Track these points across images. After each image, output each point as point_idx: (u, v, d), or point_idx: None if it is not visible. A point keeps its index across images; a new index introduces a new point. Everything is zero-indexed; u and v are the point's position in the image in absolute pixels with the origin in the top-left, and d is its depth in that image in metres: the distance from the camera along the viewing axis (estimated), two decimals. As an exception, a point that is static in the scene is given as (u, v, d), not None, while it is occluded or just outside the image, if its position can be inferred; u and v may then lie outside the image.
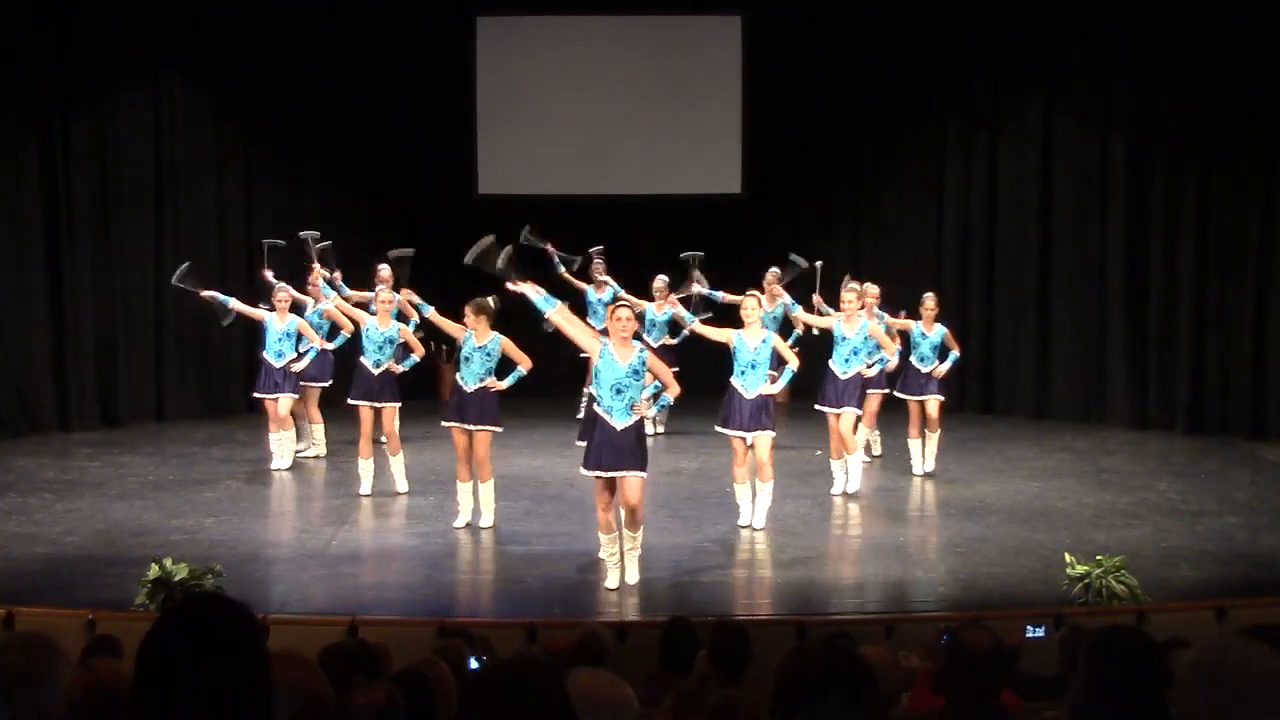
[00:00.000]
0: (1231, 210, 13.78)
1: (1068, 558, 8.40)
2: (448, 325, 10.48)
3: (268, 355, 12.00)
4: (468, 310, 10.13)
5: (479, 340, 10.04)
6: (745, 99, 16.33)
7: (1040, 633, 7.21)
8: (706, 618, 6.97)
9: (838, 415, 11.16)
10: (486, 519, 10.16)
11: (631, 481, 8.59)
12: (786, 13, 16.00)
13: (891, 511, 10.94)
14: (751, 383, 10.02)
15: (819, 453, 12.45)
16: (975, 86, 15.46)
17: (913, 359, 12.09)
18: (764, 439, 10.01)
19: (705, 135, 16.38)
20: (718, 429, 10.21)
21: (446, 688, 4.30)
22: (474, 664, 5.40)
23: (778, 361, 10.17)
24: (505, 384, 10.05)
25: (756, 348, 10.01)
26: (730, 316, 11.00)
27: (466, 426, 10.05)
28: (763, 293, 12.26)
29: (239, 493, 11.28)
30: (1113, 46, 14.44)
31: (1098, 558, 8.29)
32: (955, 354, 12.10)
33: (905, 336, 12.11)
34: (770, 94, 16.24)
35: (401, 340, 11.36)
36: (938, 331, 12.04)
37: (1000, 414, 15.24)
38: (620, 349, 8.62)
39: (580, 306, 14.03)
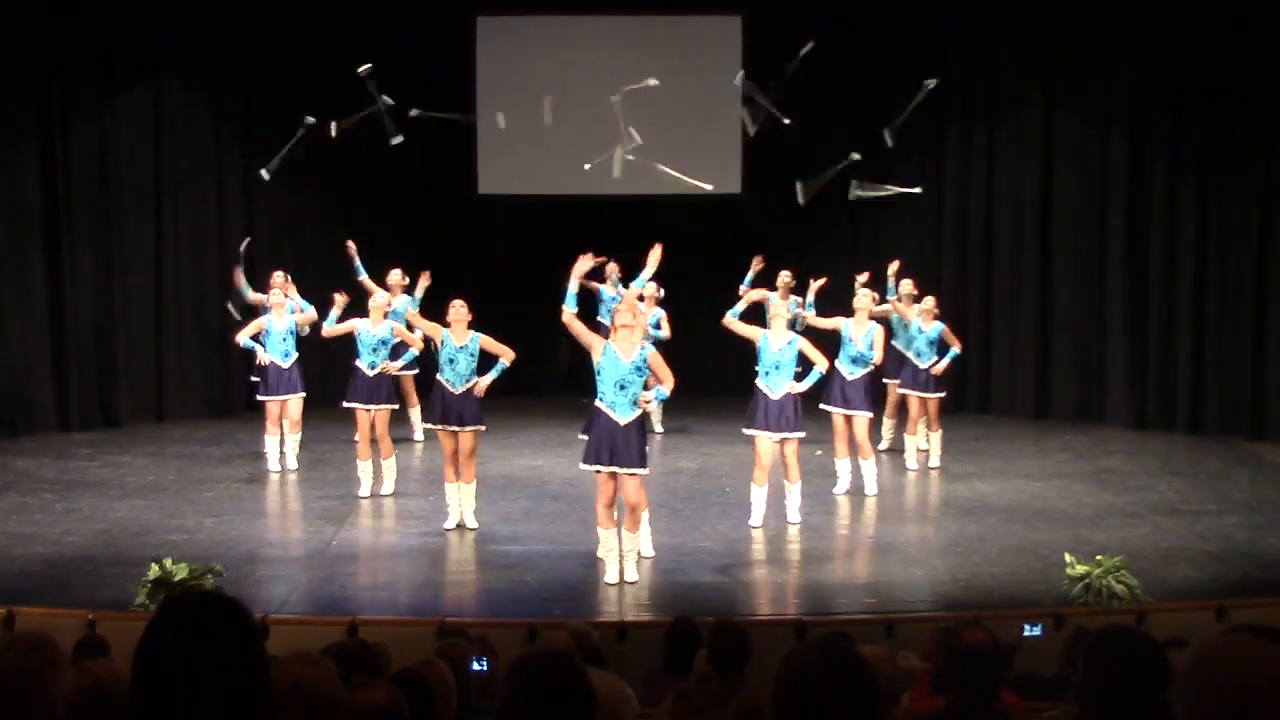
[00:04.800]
0: (1231, 210, 13.78)
1: (1068, 558, 8.41)
2: (426, 326, 10.54)
3: (274, 356, 11.97)
4: (461, 308, 10.11)
5: (459, 340, 10.04)
6: (745, 99, 16.28)
7: (1037, 631, 7.21)
8: (707, 618, 6.98)
9: (846, 417, 11.19)
10: (472, 520, 10.16)
11: (632, 480, 8.64)
12: (786, 13, 15.98)
13: (891, 511, 10.93)
14: (775, 384, 10.06)
15: (819, 452, 12.46)
16: (975, 85, 15.45)
17: (909, 355, 12.12)
18: (793, 440, 10.09)
19: (705, 135, 16.36)
20: (745, 430, 10.26)
21: (446, 688, 4.30)
22: (475, 665, 5.40)
23: (804, 362, 10.18)
24: (489, 380, 10.06)
25: (781, 349, 10.05)
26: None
27: (451, 429, 10.05)
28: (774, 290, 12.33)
29: (239, 493, 11.29)
30: (1113, 45, 14.43)
31: (1098, 558, 8.30)
32: (955, 350, 12.13)
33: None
34: (770, 94, 16.20)
35: (396, 339, 11.39)
36: (934, 328, 12.08)
37: (1000, 414, 15.23)
38: (624, 346, 8.68)
39: (593, 306, 14.03)
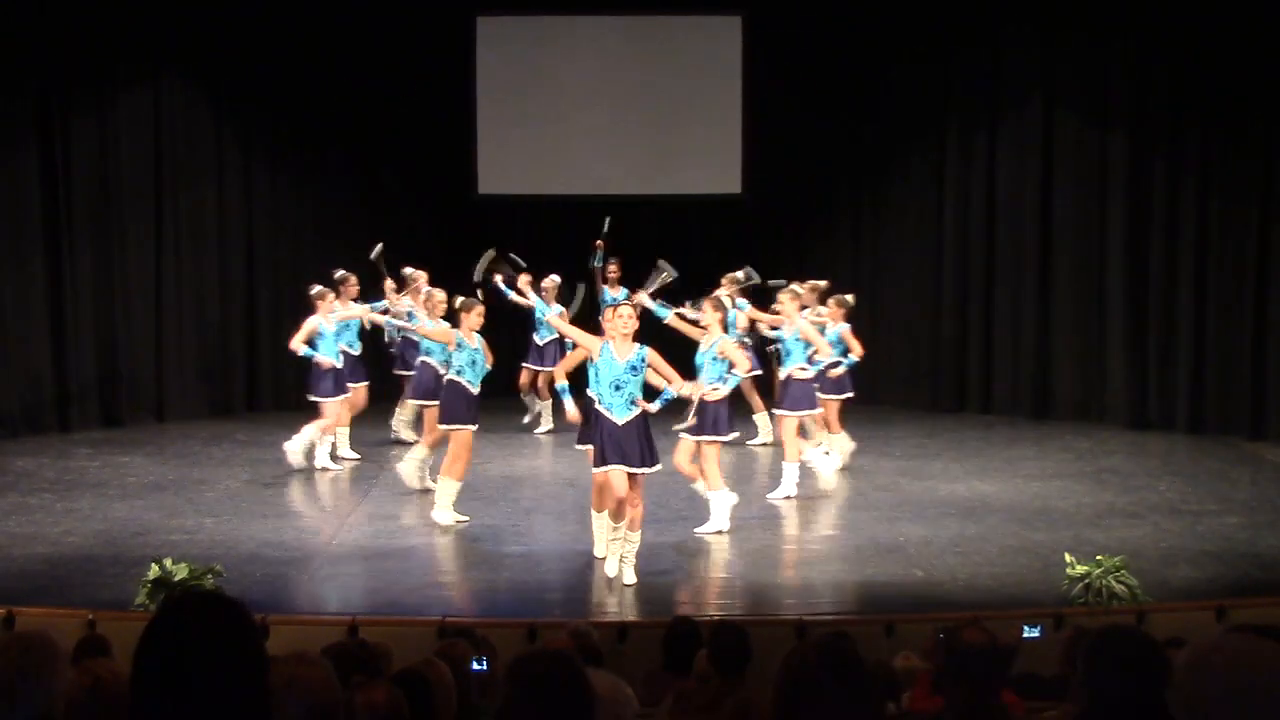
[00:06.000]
0: (1232, 209, 13.77)
1: (1068, 558, 8.40)
2: (437, 333, 10.66)
3: (329, 357, 11.93)
4: (475, 311, 10.22)
5: (474, 341, 10.17)
6: (745, 99, 16.31)
7: (1037, 631, 7.21)
8: (707, 617, 6.99)
9: (779, 418, 11.25)
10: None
11: (637, 479, 8.68)
12: (786, 13, 15.99)
13: (891, 511, 10.91)
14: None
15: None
16: (975, 86, 15.44)
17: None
18: (682, 443, 9.99)
19: (705, 135, 16.37)
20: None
21: (446, 688, 4.31)
22: (475, 665, 5.40)
23: (728, 365, 9.96)
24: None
25: (704, 350, 9.96)
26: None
27: (473, 427, 10.17)
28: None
29: (239, 493, 11.28)
30: (1112, 45, 14.43)
31: (1098, 558, 8.29)
32: (854, 357, 11.77)
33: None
34: (770, 94, 16.23)
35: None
36: (834, 330, 11.70)
37: (1000, 414, 15.22)
38: (620, 346, 8.72)
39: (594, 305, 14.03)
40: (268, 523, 10.38)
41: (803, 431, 11.57)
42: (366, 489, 11.46)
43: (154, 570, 8.02)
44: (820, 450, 11.66)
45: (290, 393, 15.60)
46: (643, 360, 8.72)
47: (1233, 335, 13.81)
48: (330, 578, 8.94)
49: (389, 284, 12.86)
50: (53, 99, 13.77)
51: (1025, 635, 7.05)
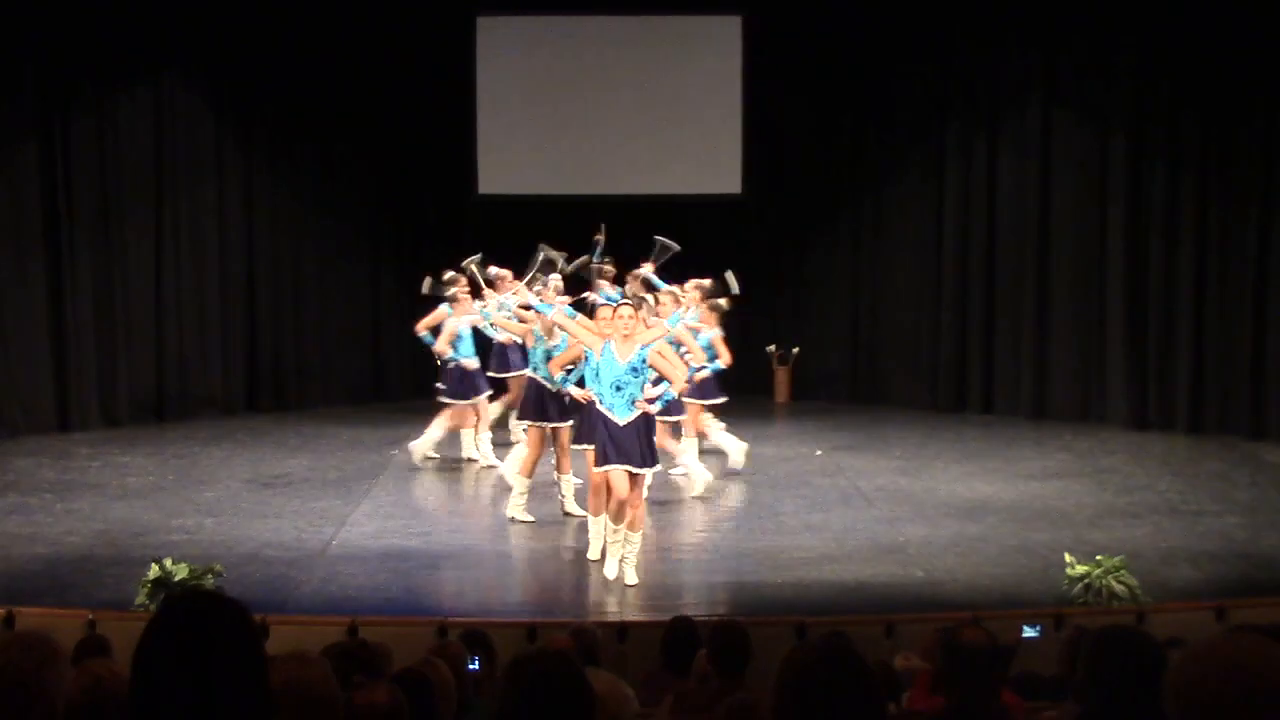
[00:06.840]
0: (1231, 210, 13.77)
1: (1068, 558, 8.41)
2: (516, 328, 10.78)
3: (469, 359, 11.97)
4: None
5: (556, 338, 10.17)
6: (745, 99, 16.31)
7: (1036, 632, 7.22)
8: (707, 617, 6.99)
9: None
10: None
11: (637, 480, 8.67)
12: (786, 13, 15.99)
13: (891, 511, 10.92)
14: None
15: (819, 453, 12.46)
16: (975, 87, 15.44)
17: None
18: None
19: (705, 135, 16.37)
20: None
21: (446, 688, 4.31)
22: (470, 665, 5.41)
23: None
24: None
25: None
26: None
27: (554, 424, 10.32)
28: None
29: (239, 493, 11.29)
30: (1112, 46, 14.42)
31: (1098, 558, 8.30)
32: (719, 363, 11.51)
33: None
34: (770, 94, 16.23)
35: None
36: (705, 335, 11.49)
37: (1000, 414, 15.22)
38: (621, 346, 8.70)
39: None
40: (268, 523, 10.39)
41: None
42: (366, 489, 11.47)
43: (154, 570, 8.03)
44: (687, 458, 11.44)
45: (290, 392, 15.64)
46: (644, 361, 8.72)
47: (1233, 335, 13.81)
48: (330, 578, 8.94)
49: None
50: (53, 99, 13.77)
51: (1025, 635, 7.06)
